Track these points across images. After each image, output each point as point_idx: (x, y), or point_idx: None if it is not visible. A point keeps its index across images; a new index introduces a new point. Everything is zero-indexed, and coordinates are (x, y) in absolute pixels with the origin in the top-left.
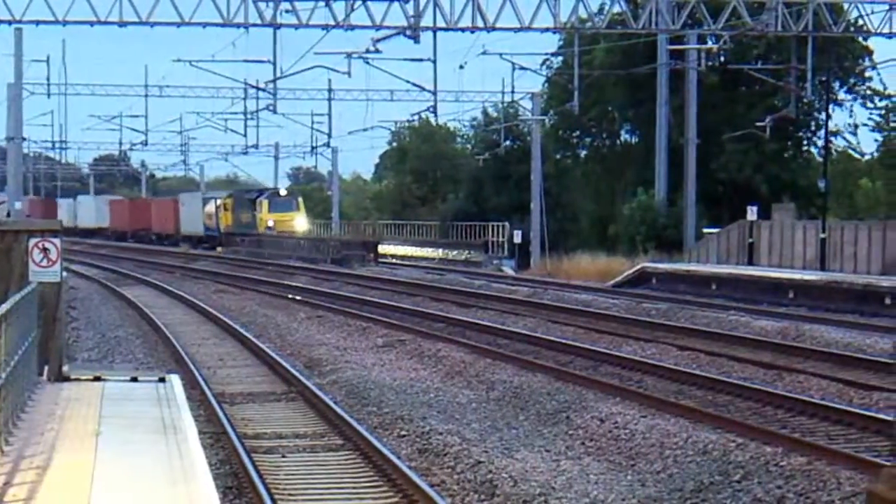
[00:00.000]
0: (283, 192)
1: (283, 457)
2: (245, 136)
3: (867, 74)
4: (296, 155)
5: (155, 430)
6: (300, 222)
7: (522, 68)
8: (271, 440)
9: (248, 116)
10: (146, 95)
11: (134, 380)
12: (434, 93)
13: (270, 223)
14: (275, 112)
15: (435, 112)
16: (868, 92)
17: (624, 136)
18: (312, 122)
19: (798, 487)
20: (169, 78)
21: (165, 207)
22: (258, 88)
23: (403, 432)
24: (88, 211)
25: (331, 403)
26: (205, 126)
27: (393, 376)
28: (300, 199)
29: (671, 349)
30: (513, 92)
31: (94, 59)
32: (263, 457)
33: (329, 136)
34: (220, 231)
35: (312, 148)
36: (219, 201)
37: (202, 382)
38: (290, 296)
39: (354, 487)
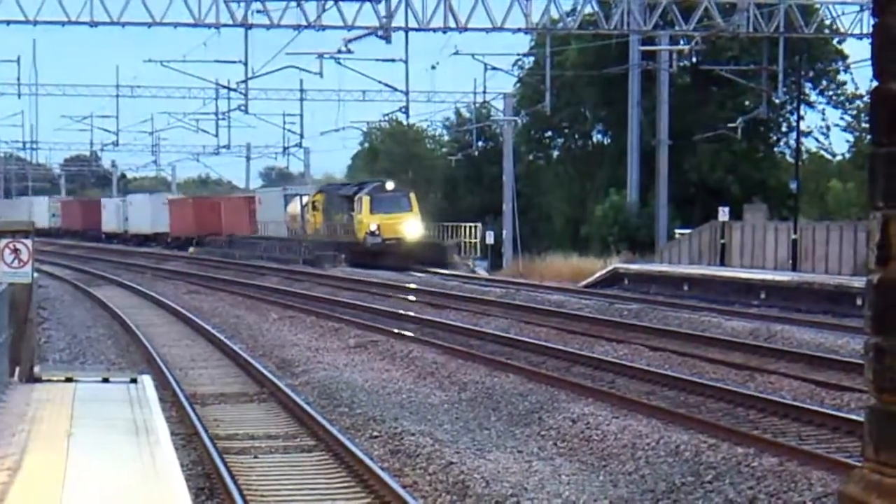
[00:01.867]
0: (389, 186)
1: (255, 458)
2: (217, 136)
3: (840, 78)
4: (268, 155)
5: (127, 430)
6: (413, 226)
7: (494, 69)
8: (243, 441)
9: (220, 117)
10: (117, 96)
11: (106, 381)
12: (406, 93)
13: (374, 227)
14: (246, 112)
15: (407, 112)
16: (840, 96)
17: (596, 137)
18: (284, 123)
19: (770, 488)
20: (140, 78)
21: (239, 208)
22: (229, 89)
23: (375, 433)
24: (142, 213)
25: (303, 404)
26: (176, 126)
27: (365, 377)
28: (412, 196)
29: (643, 350)
30: (485, 92)
31: (64, 60)
32: (235, 457)
33: (301, 136)
34: (306, 236)
35: (284, 148)
36: (305, 199)
37: (174, 383)
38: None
39: (326, 488)
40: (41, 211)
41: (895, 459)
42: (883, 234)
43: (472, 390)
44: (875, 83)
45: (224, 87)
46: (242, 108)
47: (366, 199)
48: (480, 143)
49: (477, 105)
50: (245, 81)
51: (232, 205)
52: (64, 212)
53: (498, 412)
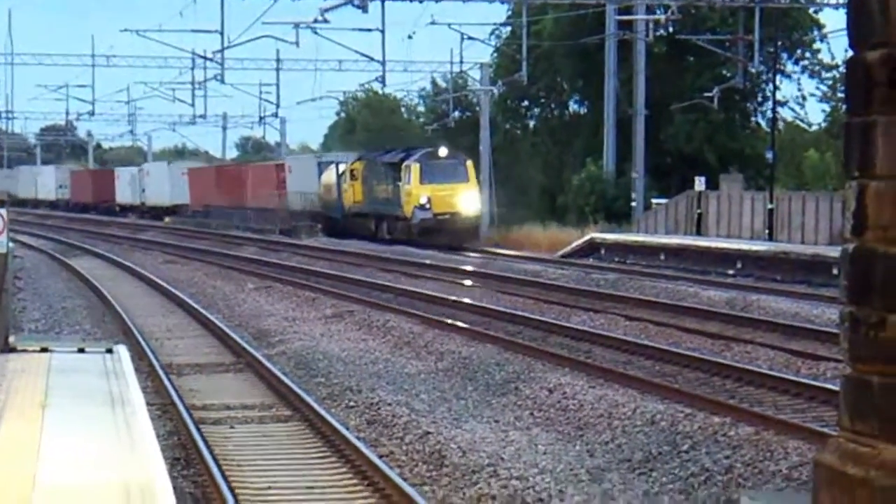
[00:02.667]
0: (442, 152)
1: (232, 428)
2: (193, 106)
3: (816, 47)
4: (244, 125)
5: (102, 401)
6: (470, 200)
7: (471, 38)
8: (219, 411)
9: (196, 86)
10: (93, 65)
11: (81, 351)
12: (382, 63)
13: (424, 199)
14: (223, 82)
15: (383, 82)
16: (816, 66)
17: (572, 107)
18: (260, 93)
19: (746, 457)
20: (116, 47)
21: (266, 177)
22: (206, 58)
23: (352, 403)
24: (160, 183)
25: (279, 374)
26: (152, 96)
27: (342, 347)
28: (470, 164)
29: (620, 319)
30: (461, 62)
31: (40, 29)
32: (212, 428)
33: (277, 106)
34: (343, 209)
35: (260, 118)
36: (342, 167)
37: (150, 354)
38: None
39: (303, 458)
40: (47, 182)
41: (870, 428)
42: (858, 204)
43: (449, 360)
44: (850, 53)
45: (200, 56)
46: (219, 77)
47: (415, 168)
48: (457, 114)
49: (453, 75)
50: (221, 51)
51: (258, 173)
52: (74, 183)
53: (474, 382)
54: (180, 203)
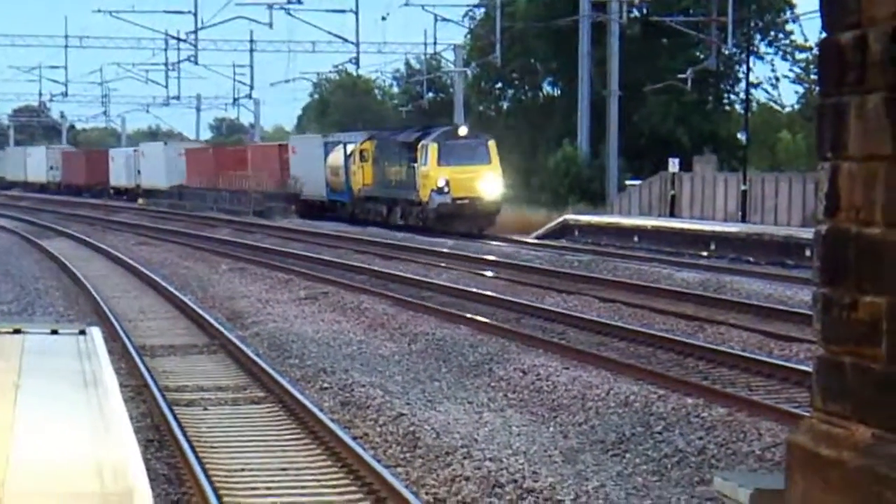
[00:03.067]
0: (462, 131)
1: (205, 409)
2: (166, 87)
3: (788, 28)
4: (217, 107)
5: (76, 382)
6: (492, 183)
7: (445, 20)
8: (193, 393)
9: (170, 68)
10: (66, 46)
11: (54, 332)
12: (356, 44)
13: (442, 182)
14: (196, 63)
15: (357, 64)
16: (789, 47)
17: (546, 89)
18: (234, 74)
19: (719, 438)
20: (89, 29)
21: (268, 158)
22: (179, 39)
23: (326, 385)
24: (156, 164)
25: (253, 356)
26: (125, 77)
27: (315, 328)
28: (492, 144)
29: (594, 301)
30: (435, 44)
31: (12, 10)
32: (185, 409)
33: (251, 87)
34: (352, 193)
35: (234, 99)
36: (351, 147)
37: (123, 335)
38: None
39: (276, 440)
40: (37, 163)
41: (843, 409)
42: (831, 185)
43: (423, 342)
44: (823, 34)
45: (174, 37)
46: (192, 58)
47: (432, 148)
48: (431, 95)
49: (427, 56)
50: (195, 32)
51: (260, 154)
52: (65, 164)
53: (448, 364)
54: (178, 184)
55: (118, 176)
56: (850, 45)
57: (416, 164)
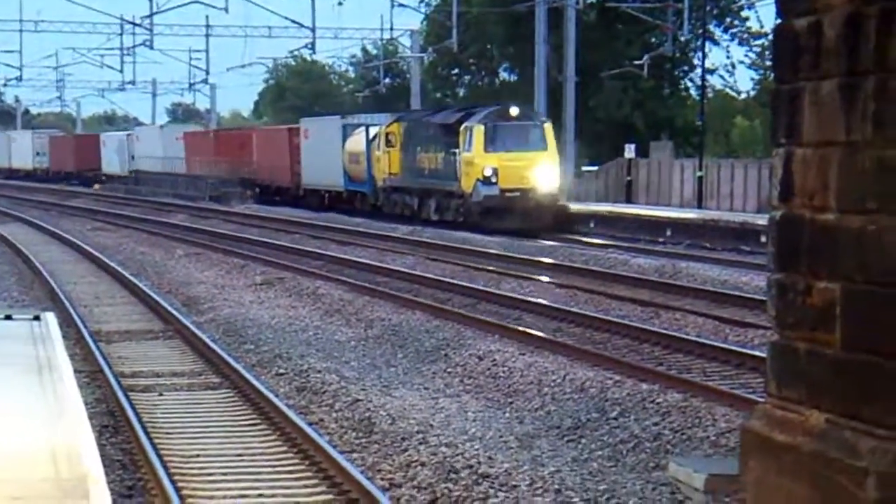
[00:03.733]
0: (514, 111)
1: (160, 395)
2: (122, 72)
3: (744, 14)
4: (173, 92)
5: (29, 368)
6: (548, 173)
7: (401, 5)
8: (148, 378)
9: (125, 52)
10: (21, 30)
11: (8, 318)
12: (312, 29)
13: (489, 171)
14: (151, 48)
15: (313, 49)
16: (744, 33)
17: (503, 75)
18: (190, 59)
19: (674, 424)
20: (44, 13)
21: (276, 144)
22: (134, 24)
23: (281, 370)
24: (152, 150)
25: (208, 342)
26: (81, 62)
27: (271, 314)
28: (548, 127)
29: (550, 287)
30: (392, 29)
31: None
32: (140, 395)
33: (207, 72)
34: (374, 182)
35: (190, 84)
36: (374, 131)
37: (78, 321)
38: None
39: (232, 426)
40: (23, 148)
41: (797, 395)
42: (785, 171)
43: (379, 327)
44: (778, 20)
45: (129, 22)
46: (147, 43)
47: (478, 130)
48: (387, 80)
49: (384, 42)
50: (150, 17)
51: (267, 140)
52: (53, 150)
53: (404, 349)
54: (174, 172)
55: (110, 162)
56: (805, 31)
57: (456, 150)
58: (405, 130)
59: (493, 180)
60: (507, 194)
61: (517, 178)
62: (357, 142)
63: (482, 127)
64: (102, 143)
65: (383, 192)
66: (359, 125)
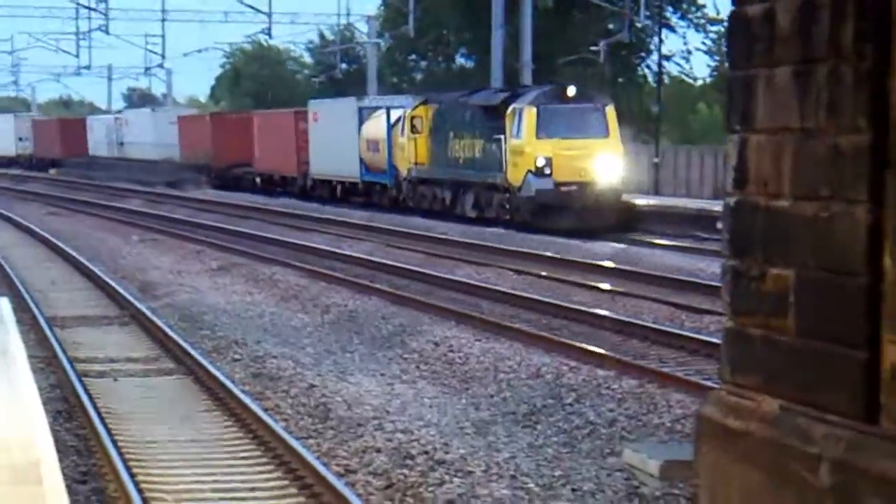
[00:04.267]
0: (571, 91)
1: (116, 381)
2: (77, 56)
3: (700, 1)
4: (129, 76)
5: None
6: (611, 164)
7: None
8: (103, 364)
9: (80, 37)
10: None
11: None
12: (269, 14)
13: (542, 161)
14: (107, 33)
15: (269, 34)
16: (701, 20)
17: (460, 61)
18: (146, 43)
19: (629, 410)
20: None
21: (280, 129)
22: (90, 9)
23: (237, 356)
24: (143, 134)
25: (164, 327)
26: (36, 46)
27: (228, 300)
28: (611, 111)
29: (507, 273)
30: (349, 14)
31: None
32: (95, 381)
33: (163, 57)
34: (396, 173)
35: (146, 69)
36: (397, 114)
37: (33, 306)
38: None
39: (187, 412)
40: (3, 133)
41: (751, 381)
42: (739, 157)
43: (335, 313)
44: (732, 7)
45: (84, 6)
46: (103, 28)
47: (529, 113)
48: (344, 66)
49: (341, 27)
50: (105, 1)
51: (269, 124)
52: (37, 134)
53: (361, 335)
54: (167, 158)
55: (98, 147)
56: (759, 18)
57: (501, 136)
58: (435, 114)
59: (547, 172)
60: (563, 188)
61: (574, 169)
62: (376, 126)
63: (534, 109)
64: (89, 127)
65: (408, 183)
66: (377, 108)
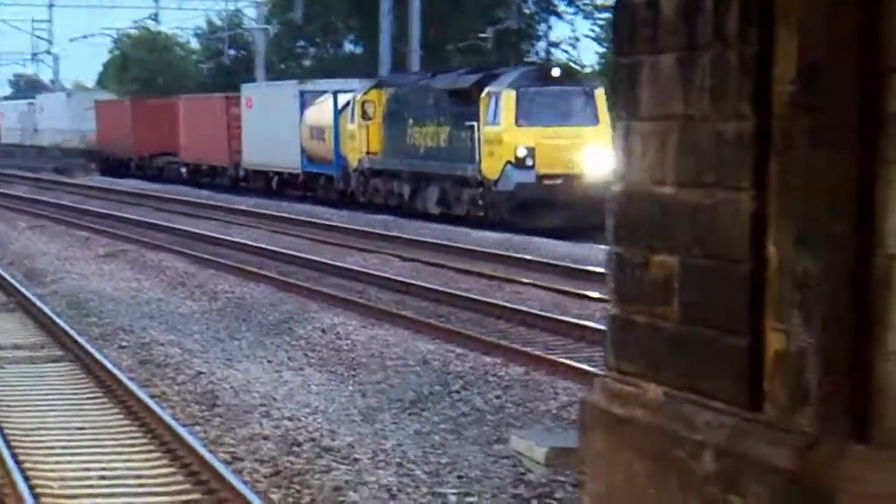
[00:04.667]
0: (555, 72)
1: (2, 368)
2: None
3: None
4: (16, 62)
5: None
6: (599, 154)
7: None
8: None
9: None
10: None
11: None
12: (155, 0)
13: (523, 152)
14: None
15: (156, 20)
16: (588, 7)
17: (348, 47)
18: (33, 29)
19: (516, 397)
20: None
21: (209, 116)
22: None
23: (124, 343)
24: (58, 121)
25: (51, 314)
26: None
27: (115, 287)
28: (600, 94)
29: (394, 260)
30: (237, 0)
31: None
32: None
33: (50, 42)
34: (345, 164)
35: (33, 55)
36: (345, 98)
37: None
38: None
39: (74, 399)
40: None
41: (636, 368)
42: (625, 144)
43: (223, 300)
44: None
45: None
46: None
47: (507, 97)
48: (232, 52)
49: (229, 13)
50: None
51: (196, 110)
52: None
53: (248, 322)
54: (90, 147)
55: (10, 136)
56: (643, 5)
57: (473, 123)
58: (391, 98)
59: (529, 163)
60: (547, 182)
61: (561, 160)
62: (321, 112)
63: (513, 92)
64: (0, 114)
65: (359, 175)
66: (322, 92)
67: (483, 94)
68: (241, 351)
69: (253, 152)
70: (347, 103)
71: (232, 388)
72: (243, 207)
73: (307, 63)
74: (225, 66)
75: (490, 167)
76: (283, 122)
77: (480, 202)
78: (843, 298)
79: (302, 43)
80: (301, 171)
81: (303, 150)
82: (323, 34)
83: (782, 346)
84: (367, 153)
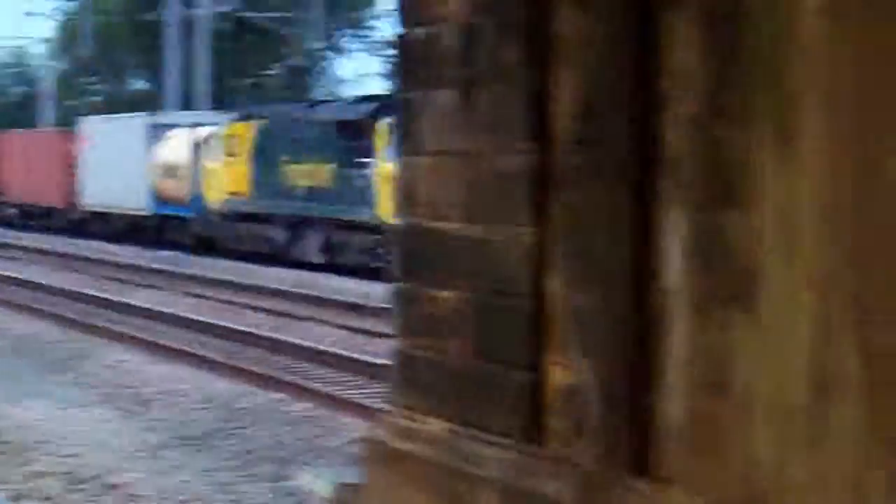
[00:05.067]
0: None
1: None
2: None
3: (372, 24)
4: None
5: None
6: None
7: (30, 14)
8: None
9: None
10: None
11: None
12: None
13: None
14: None
15: None
16: (375, 43)
17: (137, 83)
18: None
19: (303, 433)
20: None
21: (42, 148)
22: None
23: None
24: None
25: None
26: None
27: None
28: None
29: (185, 297)
30: (25, 37)
31: None
32: None
33: None
34: (204, 205)
35: None
36: (205, 132)
37: None
38: None
39: None
40: None
41: (420, 404)
42: (408, 179)
43: (8, 338)
44: (399, 29)
45: None
46: None
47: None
48: (17, 89)
49: (17, 49)
50: None
51: (25, 146)
52: None
53: (32, 359)
54: None
55: None
56: (423, 41)
57: (367, 160)
58: (261, 132)
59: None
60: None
61: None
62: (175, 148)
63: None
64: None
65: (222, 218)
66: (174, 126)
67: (379, 127)
68: (25, 388)
69: (93, 193)
70: (207, 138)
71: (16, 426)
72: (31, 245)
73: (97, 99)
74: (10, 103)
75: (387, 209)
76: (128, 158)
77: (378, 251)
78: (619, 333)
79: (93, 79)
80: (150, 212)
81: (153, 191)
82: (113, 71)
83: (564, 380)
84: (232, 193)
